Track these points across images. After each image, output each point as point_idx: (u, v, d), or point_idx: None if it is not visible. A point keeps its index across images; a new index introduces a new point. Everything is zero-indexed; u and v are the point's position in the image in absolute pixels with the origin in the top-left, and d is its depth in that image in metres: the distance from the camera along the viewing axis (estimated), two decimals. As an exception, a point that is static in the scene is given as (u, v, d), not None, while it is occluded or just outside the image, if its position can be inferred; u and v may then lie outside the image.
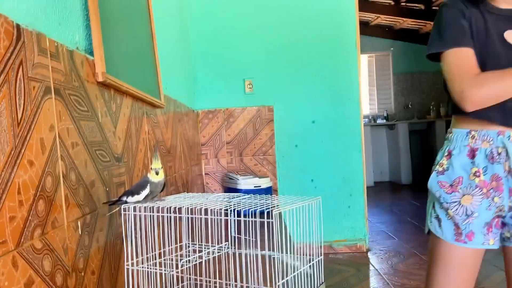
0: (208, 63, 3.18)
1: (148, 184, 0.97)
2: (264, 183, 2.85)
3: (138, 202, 0.97)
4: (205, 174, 3.20)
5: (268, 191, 2.86)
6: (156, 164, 0.97)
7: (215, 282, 1.04)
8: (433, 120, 6.62)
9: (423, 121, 6.80)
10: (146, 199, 0.98)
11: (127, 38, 1.40)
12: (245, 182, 2.81)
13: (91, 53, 1.08)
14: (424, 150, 7.11)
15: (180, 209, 0.95)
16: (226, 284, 0.99)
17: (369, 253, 3.13)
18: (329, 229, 3.18)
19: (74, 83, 0.96)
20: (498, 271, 2.56)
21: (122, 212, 0.97)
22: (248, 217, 0.89)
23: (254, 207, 0.90)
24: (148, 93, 1.55)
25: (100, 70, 1.08)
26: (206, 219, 0.99)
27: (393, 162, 6.96)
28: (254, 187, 2.79)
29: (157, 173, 0.96)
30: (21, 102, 0.74)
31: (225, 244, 1.04)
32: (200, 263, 1.02)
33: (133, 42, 1.47)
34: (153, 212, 0.96)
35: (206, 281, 1.04)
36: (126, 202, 0.97)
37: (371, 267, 2.82)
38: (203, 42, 3.17)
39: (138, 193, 0.97)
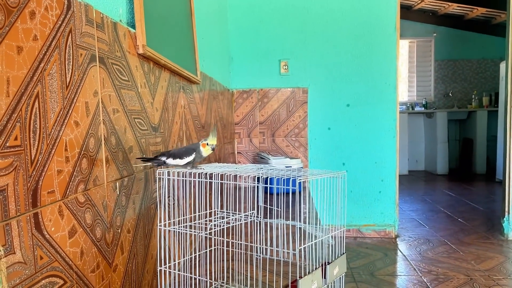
0: (244, 43, 3.21)
1: (194, 153, 1.01)
2: (295, 164, 2.89)
3: (177, 166, 1.03)
4: (237, 152, 3.26)
5: (299, 172, 2.89)
6: (213, 140, 1.01)
7: (237, 243, 1.09)
8: (474, 110, 6.40)
9: (463, 110, 6.58)
10: (186, 165, 1.03)
11: (167, 14, 1.45)
12: (276, 162, 2.86)
13: (133, 26, 1.14)
14: (463, 140, 6.91)
15: (211, 175, 1.00)
16: (251, 247, 1.04)
17: (397, 239, 3.13)
18: (358, 213, 3.20)
19: (116, 53, 1.02)
20: (531, 264, 2.51)
21: (157, 177, 1.03)
22: (275, 185, 0.93)
23: (281, 176, 0.94)
24: (186, 68, 1.60)
25: (141, 43, 1.14)
26: (235, 187, 1.04)
27: (430, 151, 6.80)
28: (285, 167, 2.83)
29: (213, 149, 1.01)
30: (70, 67, 0.80)
31: (252, 213, 1.10)
32: (228, 228, 1.07)
33: (173, 18, 1.52)
34: (185, 177, 1.01)
35: (231, 243, 1.09)
36: (164, 163, 1.02)
37: (398, 253, 2.81)
38: (240, 22, 3.20)
39: (181, 158, 1.01)
